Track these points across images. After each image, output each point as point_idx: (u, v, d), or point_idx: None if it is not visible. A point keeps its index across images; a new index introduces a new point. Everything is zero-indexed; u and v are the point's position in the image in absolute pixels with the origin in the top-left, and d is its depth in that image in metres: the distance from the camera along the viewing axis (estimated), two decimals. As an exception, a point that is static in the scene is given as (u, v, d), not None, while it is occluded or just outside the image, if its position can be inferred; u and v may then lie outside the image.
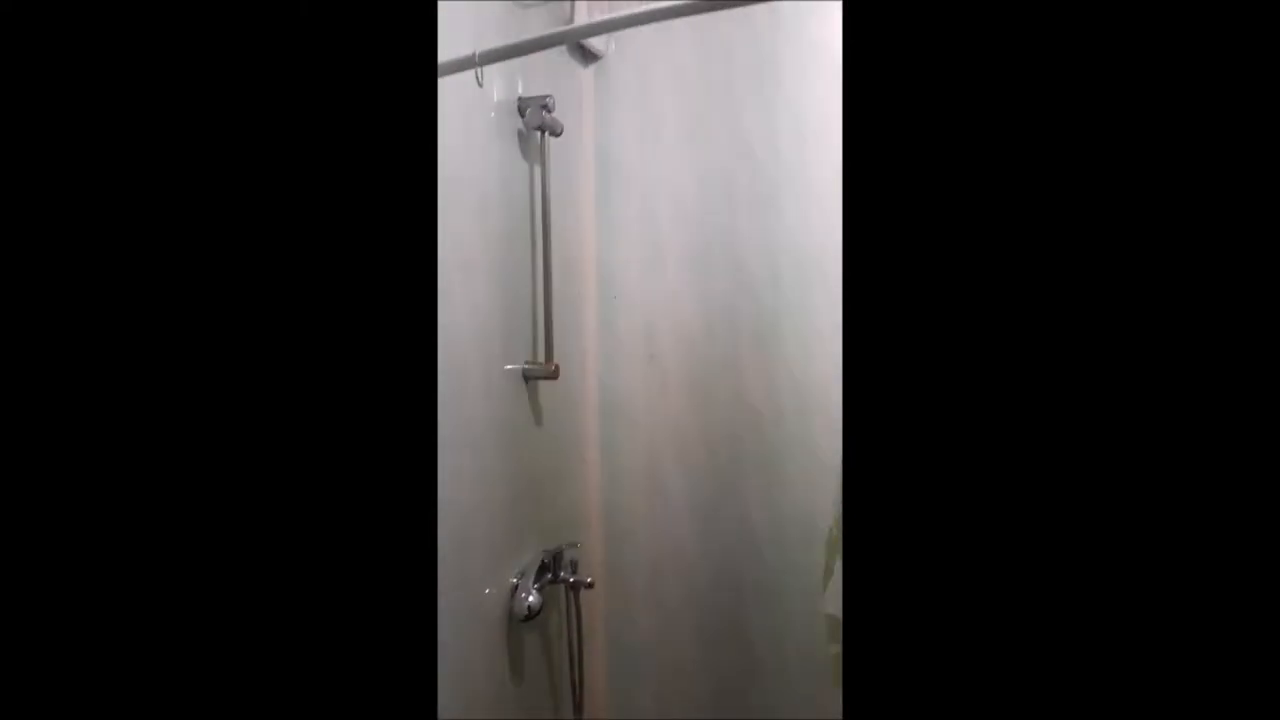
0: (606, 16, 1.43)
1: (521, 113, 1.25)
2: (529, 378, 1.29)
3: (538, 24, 1.33)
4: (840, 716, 0.45)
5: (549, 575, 1.27)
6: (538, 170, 1.30)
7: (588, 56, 1.50)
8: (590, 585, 1.35)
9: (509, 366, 1.23)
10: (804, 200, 1.38)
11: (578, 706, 1.36)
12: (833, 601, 1.22)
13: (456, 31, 0.98)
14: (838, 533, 1.26)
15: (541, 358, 1.30)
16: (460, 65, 0.85)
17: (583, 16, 1.40)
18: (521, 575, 1.22)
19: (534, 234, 1.30)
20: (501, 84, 1.21)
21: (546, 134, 1.27)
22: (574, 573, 1.34)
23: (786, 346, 1.42)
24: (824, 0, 1.29)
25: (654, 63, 1.48)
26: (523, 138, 1.27)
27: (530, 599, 1.18)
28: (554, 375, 1.29)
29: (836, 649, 1.26)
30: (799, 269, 1.40)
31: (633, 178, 1.51)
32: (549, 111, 1.25)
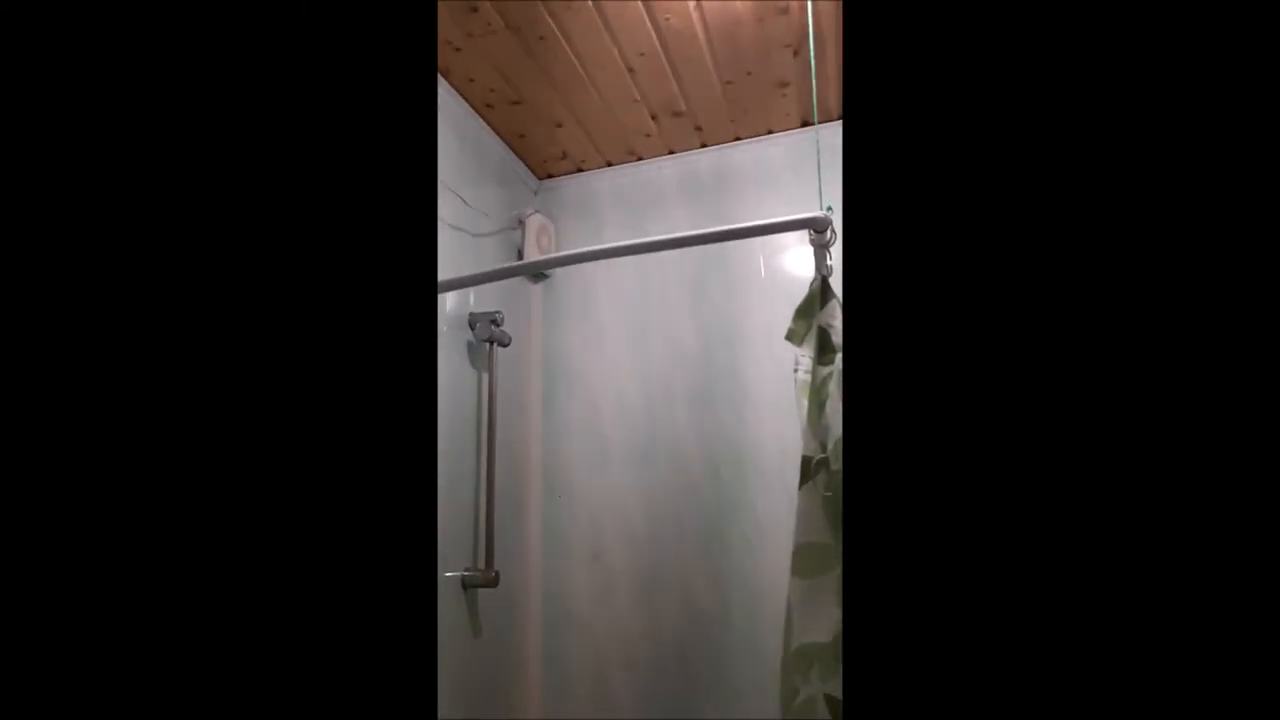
0: (555, 255, 1.59)
1: (471, 326, 1.34)
2: (468, 585, 1.25)
3: (490, 246, 1.47)
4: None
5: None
6: (485, 378, 1.36)
7: (537, 275, 1.64)
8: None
9: (448, 574, 1.20)
10: (736, 400, 1.47)
11: None
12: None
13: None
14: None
15: (481, 564, 1.28)
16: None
17: (531, 240, 1.56)
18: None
19: (479, 440, 1.34)
20: (454, 300, 1.31)
21: (495, 345, 1.36)
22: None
23: (731, 543, 1.43)
24: (745, 240, 1.47)
25: (597, 281, 1.62)
26: (472, 349, 1.35)
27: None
28: (494, 583, 1.26)
29: None
30: (736, 464, 1.45)
31: (578, 381, 1.59)
32: (498, 325, 1.35)
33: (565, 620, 1.49)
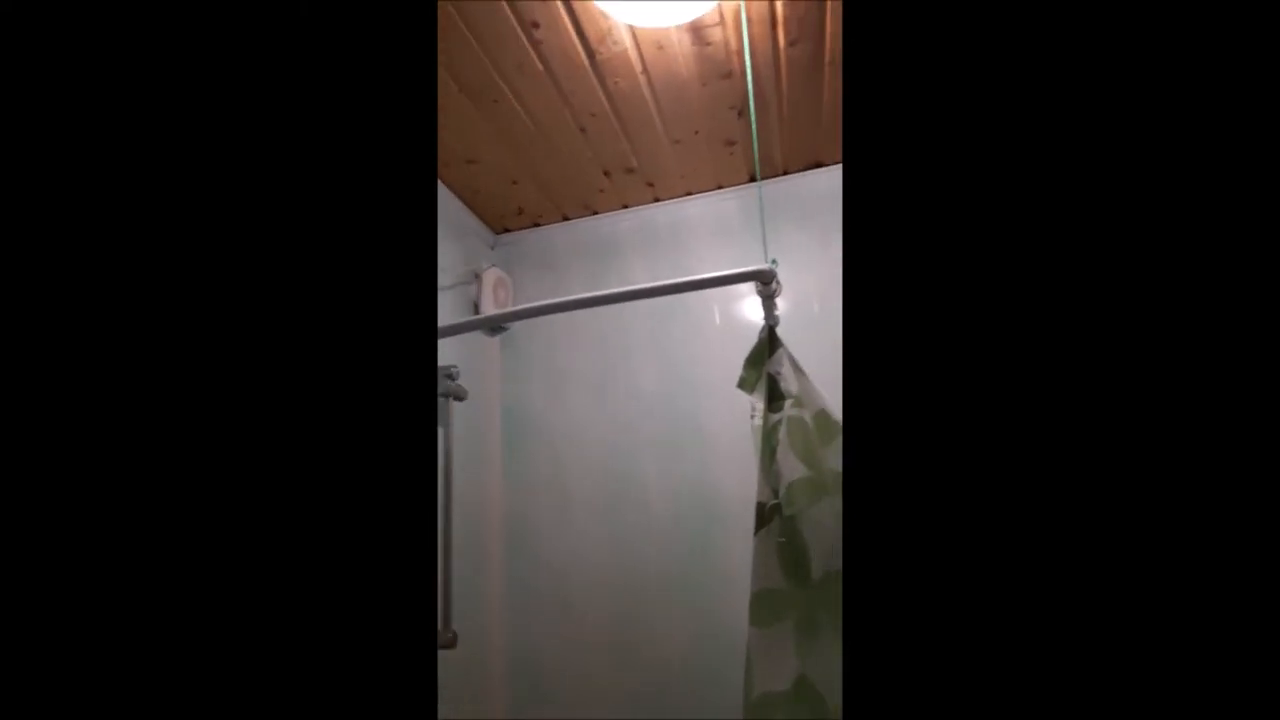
0: (512, 308, 1.61)
1: (428, 382, 1.34)
2: (425, 648, 1.22)
3: (446, 301, 1.48)
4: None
5: None
6: (441, 433, 1.35)
7: (494, 328, 1.65)
8: None
9: (403, 637, 1.17)
10: (700, 447, 1.48)
11: None
12: None
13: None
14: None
15: (439, 624, 1.24)
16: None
17: (488, 294, 1.57)
18: None
19: (435, 495, 1.32)
20: (409, 358, 1.31)
21: (451, 399, 1.36)
22: None
23: (698, 592, 1.42)
24: (699, 290, 1.51)
25: (556, 333, 1.64)
26: (429, 404, 1.34)
27: None
28: (452, 644, 1.22)
29: None
30: (702, 512, 1.45)
31: (540, 434, 1.59)
32: (453, 379, 1.35)
33: (532, 681, 1.45)
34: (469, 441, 1.46)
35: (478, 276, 1.59)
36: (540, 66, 1.20)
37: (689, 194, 1.61)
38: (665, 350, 1.56)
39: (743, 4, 1.09)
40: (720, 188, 1.59)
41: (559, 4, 1.08)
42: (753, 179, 1.55)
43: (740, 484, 1.39)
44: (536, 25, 1.11)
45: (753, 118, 1.34)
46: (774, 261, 1.04)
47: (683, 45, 1.18)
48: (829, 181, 1.51)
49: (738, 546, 1.38)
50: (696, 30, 1.14)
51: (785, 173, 1.54)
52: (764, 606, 0.91)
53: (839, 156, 1.49)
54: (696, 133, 1.40)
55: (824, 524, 0.88)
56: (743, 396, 1.03)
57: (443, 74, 1.20)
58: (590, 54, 1.18)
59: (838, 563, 0.89)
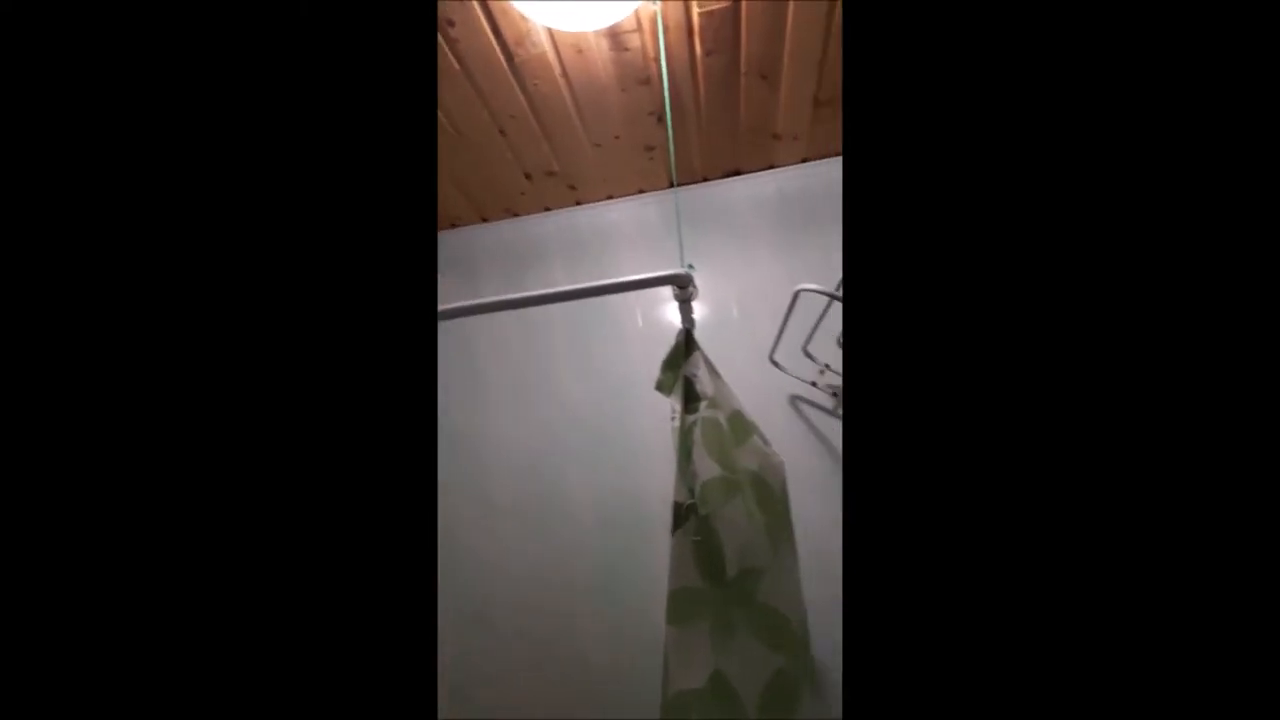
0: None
1: (341, 387, 1.29)
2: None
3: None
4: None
5: None
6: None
7: (414, 331, 1.61)
8: None
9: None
10: (624, 450, 1.49)
11: None
12: None
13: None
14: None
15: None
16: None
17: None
18: None
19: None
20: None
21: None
22: None
23: (623, 595, 1.42)
24: (622, 293, 1.52)
25: (478, 336, 1.61)
26: (342, 410, 1.29)
27: None
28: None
29: None
30: (627, 514, 1.46)
31: (461, 440, 1.56)
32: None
33: (454, 687, 1.41)
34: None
35: (395, 279, 1.55)
36: (457, 66, 1.18)
37: (610, 198, 1.62)
38: (588, 354, 1.56)
39: (659, 12, 1.10)
40: (642, 192, 1.61)
41: (475, 3, 1.06)
42: (672, 185, 1.58)
43: (666, 485, 1.40)
44: (452, 24, 1.10)
45: (669, 124, 1.36)
46: (690, 266, 1.06)
47: (601, 50, 1.18)
48: (747, 189, 1.55)
49: (662, 548, 1.39)
50: (615, 36, 1.15)
51: (705, 179, 1.57)
52: (680, 605, 0.93)
53: (758, 165, 1.53)
54: (617, 137, 1.41)
55: (737, 522, 0.90)
56: (666, 399, 1.05)
57: (354, 70, 1.16)
58: (508, 55, 1.17)
59: (751, 560, 0.92)
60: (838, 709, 1.21)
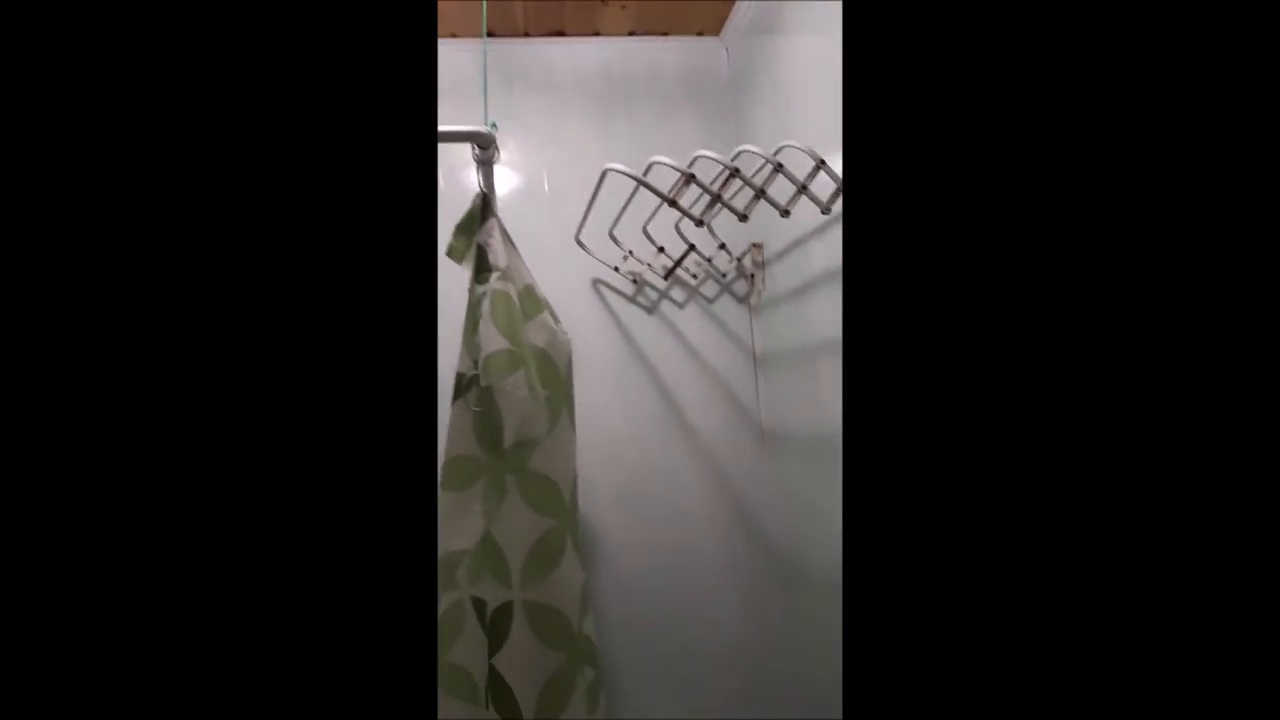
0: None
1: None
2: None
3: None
4: None
5: None
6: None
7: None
8: None
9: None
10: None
11: None
12: None
13: None
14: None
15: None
16: None
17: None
18: None
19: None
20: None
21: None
22: None
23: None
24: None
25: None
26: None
27: None
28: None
29: None
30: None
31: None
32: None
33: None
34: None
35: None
36: None
37: (420, 37, 1.45)
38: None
39: None
40: (455, 36, 1.45)
41: None
42: (492, 34, 1.44)
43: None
44: None
45: (490, -38, 1.22)
46: (493, 125, 1.00)
47: None
48: (569, 54, 1.46)
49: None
50: None
51: (527, 34, 1.45)
52: (456, 471, 0.94)
53: (583, 29, 1.44)
54: (428, -35, 1.24)
55: (518, 395, 0.91)
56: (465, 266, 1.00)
57: None
58: None
59: (528, 431, 0.94)
60: (594, 566, 1.33)
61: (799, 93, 1.18)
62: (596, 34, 1.46)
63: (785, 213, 0.95)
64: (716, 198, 0.95)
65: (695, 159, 0.98)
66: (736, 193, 1.03)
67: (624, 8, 1.37)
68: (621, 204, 1.23)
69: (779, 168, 0.95)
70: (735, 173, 0.94)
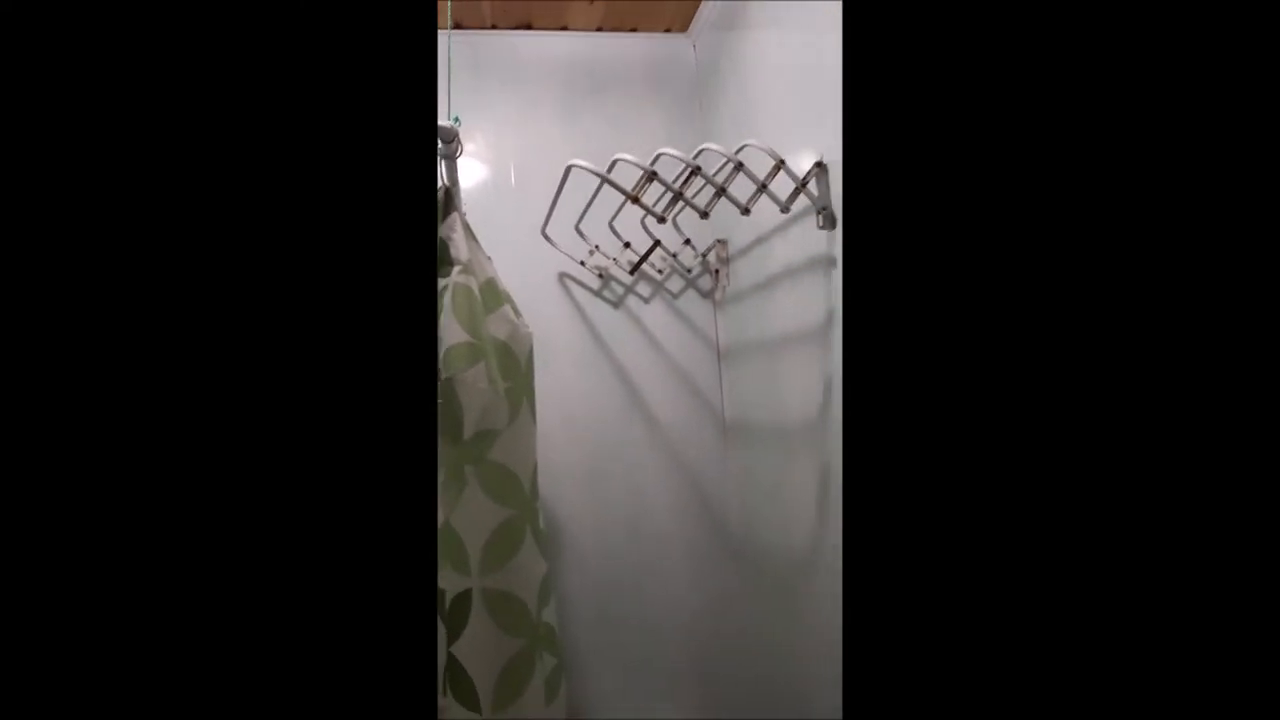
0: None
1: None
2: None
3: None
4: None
5: None
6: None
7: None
8: None
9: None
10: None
11: None
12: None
13: None
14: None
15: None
16: None
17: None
18: None
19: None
20: None
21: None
22: None
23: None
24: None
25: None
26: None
27: None
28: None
29: None
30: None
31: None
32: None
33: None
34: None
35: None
36: None
37: (387, 27, 1.44)
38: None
39: None
40: (423, 28, 1.45)
41: None
42: (459, 26, 1.44)
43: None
44: None
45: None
46: (456, 119, 1.00)
47: None
48: (536, 47, 1.47)
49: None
50: None
51: (494, 27, 1.45)
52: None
53: (550, 23, 1.45)
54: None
55: (478, 386, 0.92)
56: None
57: None
58: None
59: (488, 423, 0.95)
60: (558, 556, 1.35)
61: (762, 90, 1.20)
62: (564, 28, 1.47)
63: (745, 211, 0.97)
64: (679, 195, 0.97)
65: (658, 156, 0.99)
66: (699, 190, 1.05)
67: (592, 3, 1.38)
68: (588, 198, 1.24)
69: (740, 166, 0.97)
70: (697, 170, 0.96)
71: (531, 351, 1.04)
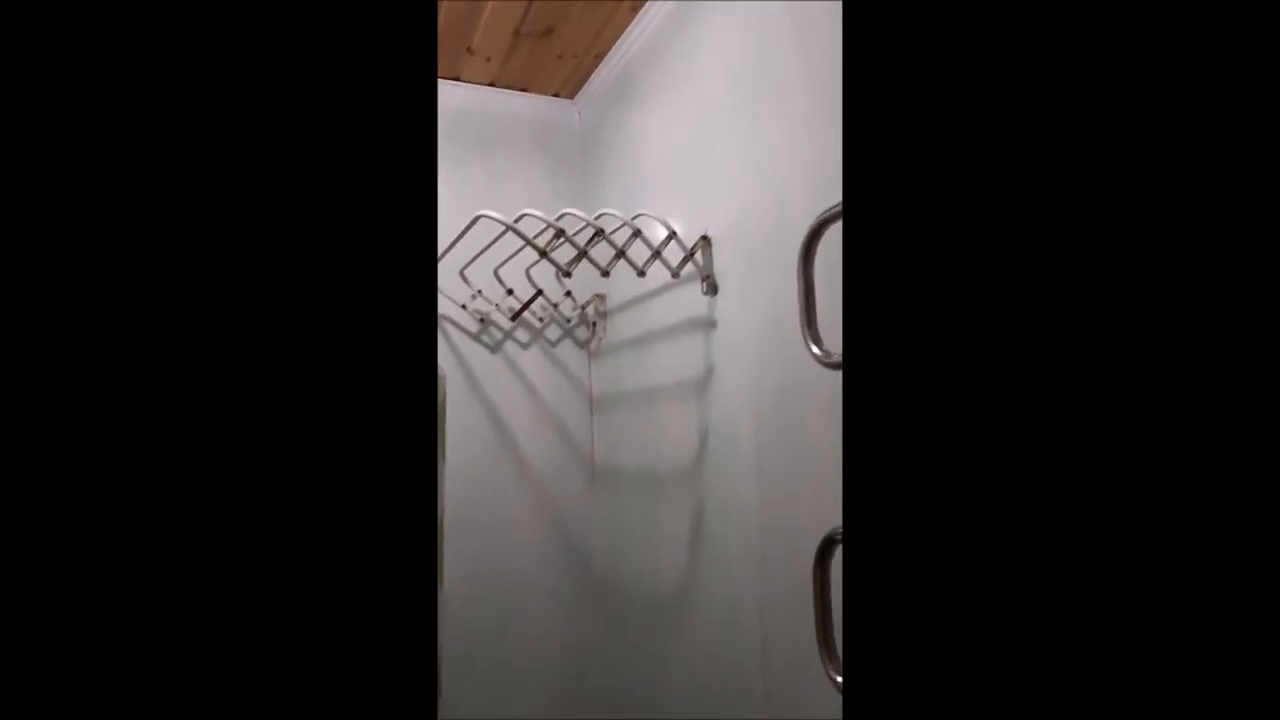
0: None
1: None
2: None
3: None
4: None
5: None
6: None
7: None
8: None
9: None
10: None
11: None
12: None
13: None
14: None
15: None
16: None
17: None
18: None
19: None
20: None
21: None
22: None
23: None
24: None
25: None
26: None
27: None
28: None
29: None
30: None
31: None
32: None
33: None
34: None
35: None
36: None
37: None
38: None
39: None
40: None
41: None
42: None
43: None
44: None
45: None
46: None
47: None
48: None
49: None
50: None
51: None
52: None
53: (444, 72, 1.48)
54: None
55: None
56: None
57: None
58: None
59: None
60: (449, 594, 1.32)
61: (645, 161, 1.33)
62: (457, 79, 1.51)
63: (641, 273, 1.07)
64: (583, 253, 1.05)
65: (563, 215, 1.07)
66: (595, 249, 1.14)
67: (489, 59, 1.44)
68: (477, 248, 1.28)
69: (637, 233, 1.07)
70: (600, 232, 1.05)
71: (445, 396, 1.05)
